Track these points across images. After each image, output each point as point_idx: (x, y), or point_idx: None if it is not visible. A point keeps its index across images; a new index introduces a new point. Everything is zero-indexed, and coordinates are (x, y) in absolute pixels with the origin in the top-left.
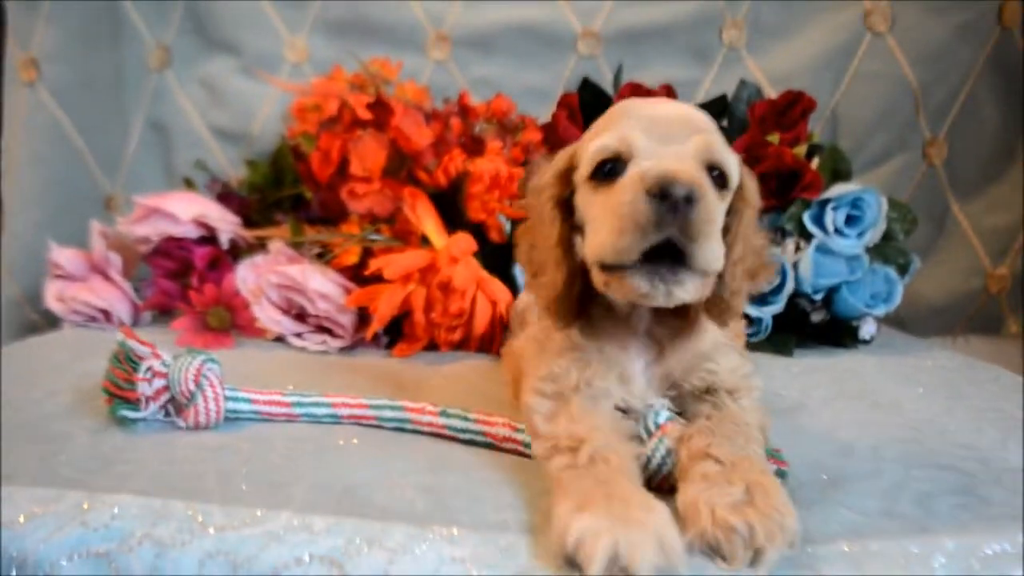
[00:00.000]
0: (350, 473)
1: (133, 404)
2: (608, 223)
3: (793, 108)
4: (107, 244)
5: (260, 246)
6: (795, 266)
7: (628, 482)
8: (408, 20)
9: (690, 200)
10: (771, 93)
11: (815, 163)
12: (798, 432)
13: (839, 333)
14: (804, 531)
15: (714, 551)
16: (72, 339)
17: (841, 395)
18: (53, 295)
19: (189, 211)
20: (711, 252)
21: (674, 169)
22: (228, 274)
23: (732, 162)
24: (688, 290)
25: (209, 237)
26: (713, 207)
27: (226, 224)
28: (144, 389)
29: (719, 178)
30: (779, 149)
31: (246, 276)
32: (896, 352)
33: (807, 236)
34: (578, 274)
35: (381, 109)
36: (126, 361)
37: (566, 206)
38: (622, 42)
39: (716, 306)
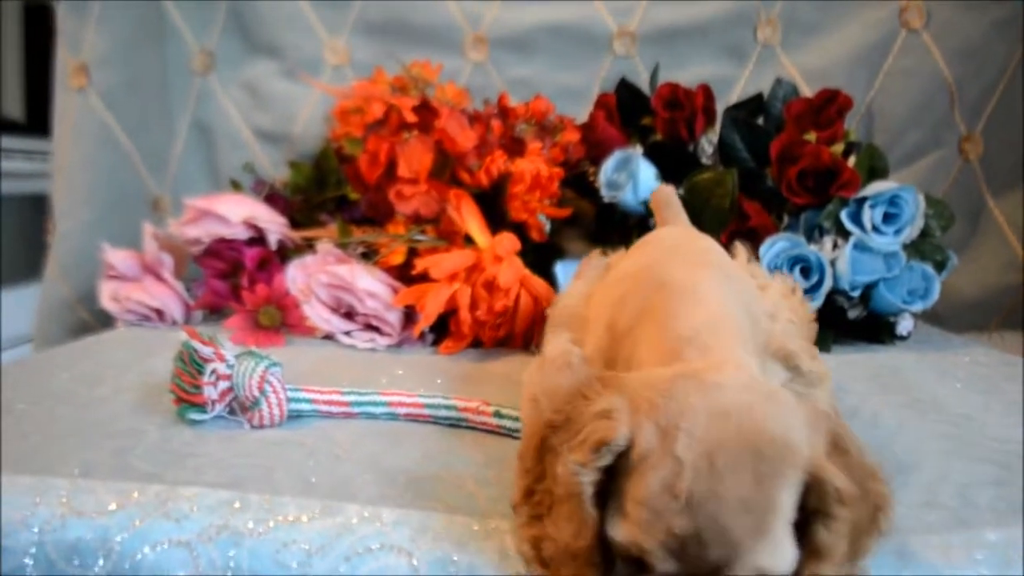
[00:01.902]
0: (412, 467)
1: (200, 407)
2: None
3: (829, 106)
4: (159, 245)
5: (307, 247)
6: (833, 263)
7: None
8: (446, 21)
9: None
10: (806, 90)
11: (852, 161)
12: None
13: (876, 329)
14: None
15: None
16: (129, 338)
17: (880, 390)
18: (108, 295)
19: (239, 213)
20: None
21: None
22: (277, 274)
23: (786, 551)
24: None
25: (258, 238)
26: None
27: (274, 225)
28: (210, 393)
29: None
30: (816, 148)
31: (296, 276)
32: (933, 348)
33: (844, 234)
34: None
35: (427, 112)
36: (191, 363)
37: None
38: (657, 41)
39: None
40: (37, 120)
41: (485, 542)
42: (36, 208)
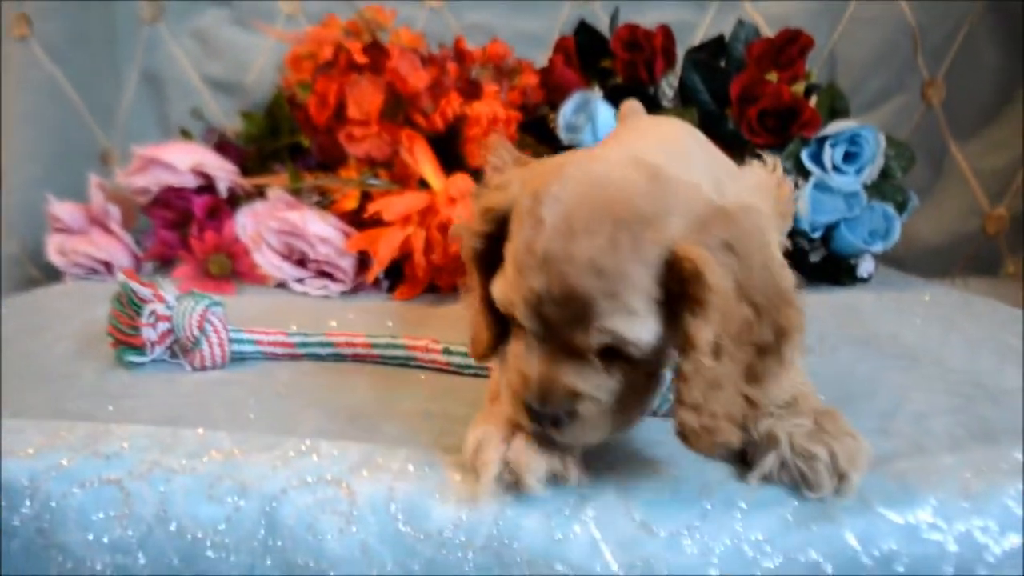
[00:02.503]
0: (356, 404)
1: (139, 349)
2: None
3: (791, 46)
4: (105, 197)
5: (259, 194)
6: (793, 203)
7: None
8: None
9: (559, 422)
10: (769, 34)
11: (813, 101)
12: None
13: (837, 271)
14: None
15: (798, 481)
16: (75, 290)
17: (838, 326)
18: (54, 248)
19: (187, 161)
20: (604, 433)
21: (543, 390)
22: (228, 222)
23: (644, 322)
24: (590, 437)
25: (207, 186)
26: (600, 413)
27: (224, 173)
28: (149, 334)
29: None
30: (777, 87)
31: (246, 223)
32: (893, 289)
33: (805, 174)
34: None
35: (377, 52)
36: (129, 305)
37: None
38: None
39: (687, 434)
40: None
41: (426, 474)
42: None
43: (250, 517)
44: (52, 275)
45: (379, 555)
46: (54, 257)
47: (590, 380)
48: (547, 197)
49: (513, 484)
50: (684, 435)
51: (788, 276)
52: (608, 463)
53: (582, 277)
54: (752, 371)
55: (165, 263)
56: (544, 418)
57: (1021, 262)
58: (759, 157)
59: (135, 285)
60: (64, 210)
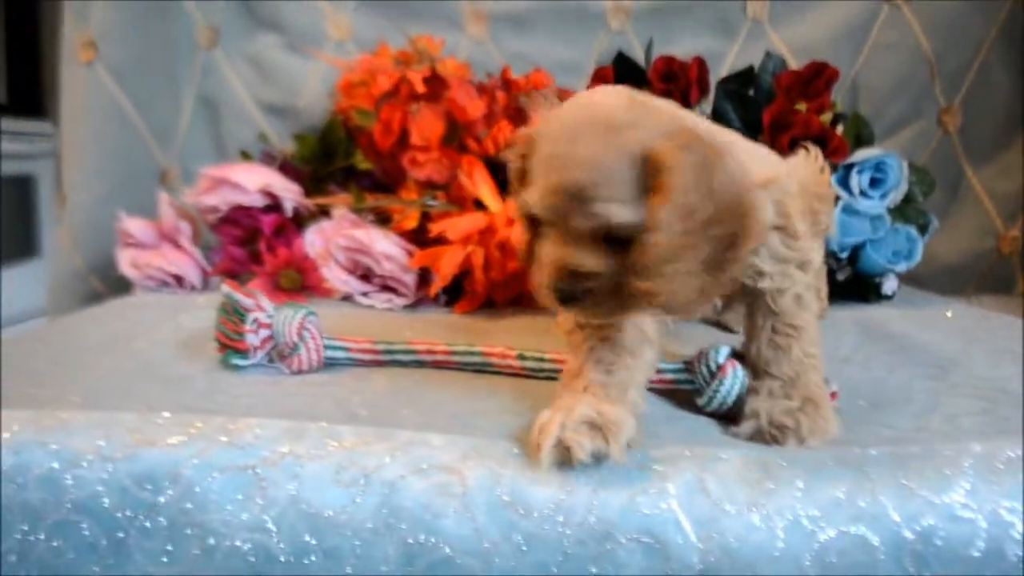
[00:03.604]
0: (447, 403)
1: (243, 353)
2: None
3: (818, 78)
4: (176, 214)
5: (322, 213)
6: None
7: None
8: None
9: (576, 299)
10: (794, 64)
11: (840, 130)
12: (834, 370)
13: (863, 289)
14: (851, 439)
15: (768, 443)
16: (152, 301)
17: (869, 340)
18: (127, 262)
19: (255, 181)
20: (619, 311)
21: (558, 271)
22: (295, 239)
23: (627, 206)
24: (606, 313)
25: (273, 206)
26: (608, 291)
27: (289, 193)
28: (252, 340)
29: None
30: (807, 117)
31: (314, 240)
32: (916, 306)
33: (834, 198)
34: None
35: (437, 83)
36: (233, 313)
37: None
38: (650, 16)
39: (639, 296)
40: (21, 103)
41: (525, 461)
42: (21, 189)
43: (372, 500)
44: (116, 289)
45: (488, 532)
46: (127, 270)
47: (592, 260)
48: (554, 118)
49: (565, 459)
50: (635, 298)
51: (753, 194)
52: (686, 452)
53: (578, 171)
54: (713, 260)
55: (232, 277)
56: (564, 297)
57: None
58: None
59: (239, 296)
60: (136, 226)
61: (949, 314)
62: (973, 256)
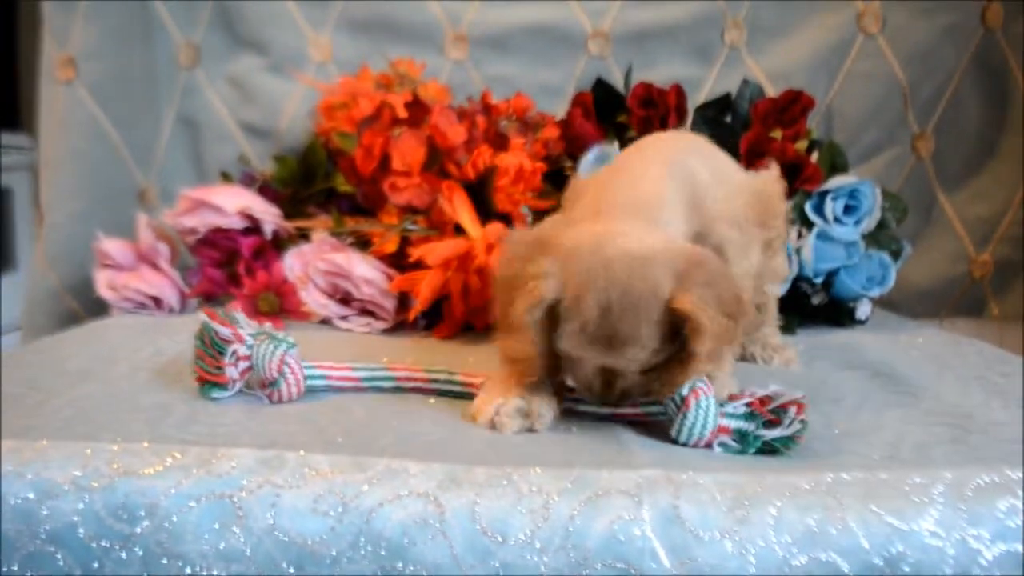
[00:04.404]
0: (426, 431)
1: (222, 386)
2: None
3: (793, 106)
4: (154, 235)
5: (300, 236)
6: (798, 252)
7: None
8: (427, 20)
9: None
10: (770, 91)
11: (814, 157)
12: (809, 396)
13: (837, 314)
14: (823, 466)
15: None
16: (130, 324)
17: (843, 366)
18: (104, 283)
19: (234, 203)
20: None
21: (605, 394)
22: (274, 262)
23: (656, 347)
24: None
25: (252, 228)
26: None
27: (269, 216)
28: (231, 373)
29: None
30: (782, 144)
31: (293, 264)
32: (889, 331)
33: (808, 224)
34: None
35: (418, 108)
36: (211, 345)
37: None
38: (629, 42)
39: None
40: None
41: (503, 488)
42: None
43: (350, 529)
44: (92, 309)
45: (465, 559)
46: (104, 292)
47: (631, 379)
48: (587, 295)
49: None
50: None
51: (744, 286)
52: (661, 478)
53: (618, 344)
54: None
55: (210, 299)
56: (606, 403)
57: (1005, 305)
58: None
59: (217, 326)
60: (113, 247)
61: (920, 340)
62: (946, 280)
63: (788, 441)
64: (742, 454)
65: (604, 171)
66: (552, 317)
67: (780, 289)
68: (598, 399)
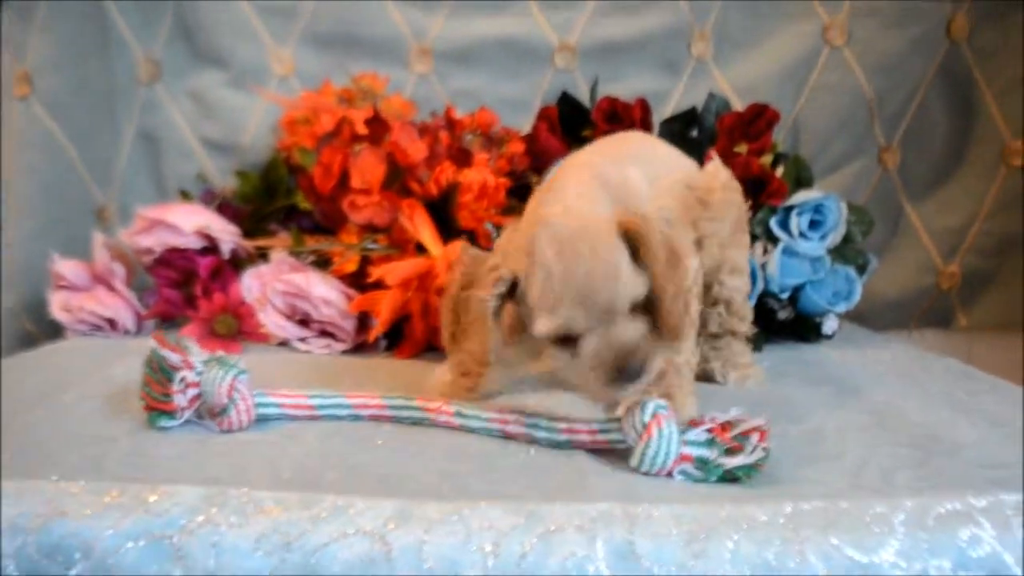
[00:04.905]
0: (378, 463)
1: (170, 414)
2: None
3: (759, 120)
4: (110, 255)
5: (260, 256)
6: (763, 267)
7: None
8: (391, 33)
9: (637, 376)
10: (737, 104)
11: (780, 171)
12: (773, 417)
13: (804, 329)
14: (783, 496)
15: None
16: (85, 346)
17: (808, 383)
18: (59, 305)
19: (192, 223)
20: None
21: (626, 351)
22: (232, 283)
23: (633, 277)
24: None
25: (210, 247)
26: (652, 351)
27: (227, 235)
28: (180, 401)
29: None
30: (747, 159)
31: (251, 285)
32: (856, 346)
33: (774, 240)
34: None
35: (378, 125)
36: (160, 371)
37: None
38: (596, 55)
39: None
40: None
41: (453, 526)
42: None
43: (295, 569)
44: (48, 330)
45: None
46: (59, 314)
47: (634, 329)
48: (541, 258)
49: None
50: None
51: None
52: (616, 511)
53: (589, 280)
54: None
55: (167, 320)
56: (632, 374)
57: (973, 316)
58: None
59: (165, 352)
60: (68, 268)
61: (888, 356)
62: (913, 292)
63: (750, 469)
64: (703, 482)
65: (540, 187)
66: (520, 321)
67: (745, 284)
68: (612, 371)
